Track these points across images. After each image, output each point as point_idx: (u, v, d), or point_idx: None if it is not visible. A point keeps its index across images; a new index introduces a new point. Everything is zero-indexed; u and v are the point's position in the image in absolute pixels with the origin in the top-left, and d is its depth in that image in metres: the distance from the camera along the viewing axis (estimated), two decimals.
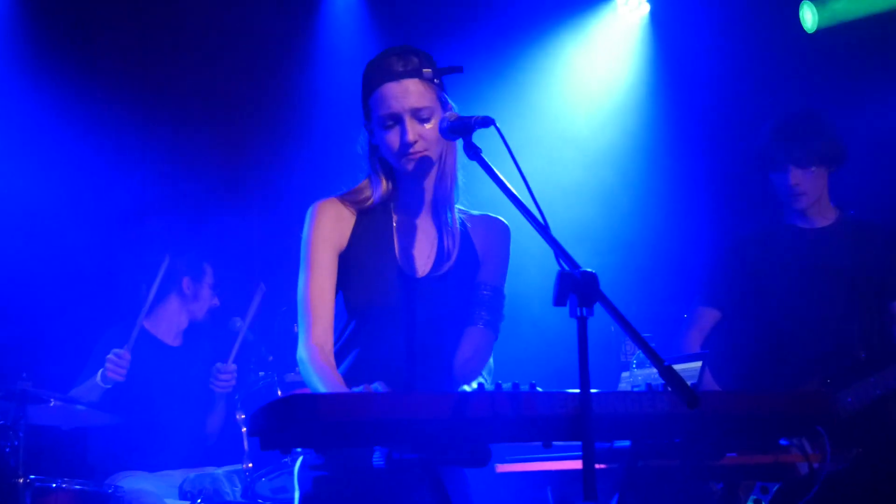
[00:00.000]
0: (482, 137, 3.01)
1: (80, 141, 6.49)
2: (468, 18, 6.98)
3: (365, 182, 3.44)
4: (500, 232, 3.51)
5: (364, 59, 3.42)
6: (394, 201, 3.43)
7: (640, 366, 3.79)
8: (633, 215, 6.81)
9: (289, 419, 2.41)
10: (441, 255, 3.41)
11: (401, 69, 3.26)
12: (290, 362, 5.76)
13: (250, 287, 6.38)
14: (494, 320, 3.44)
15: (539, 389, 2.61)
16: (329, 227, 3.36)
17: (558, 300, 2.41)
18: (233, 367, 5.93)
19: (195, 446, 6.04)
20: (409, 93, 3.25)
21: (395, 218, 3.42)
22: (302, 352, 3.27)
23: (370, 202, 3.40)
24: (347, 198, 3.42)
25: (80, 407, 5.14)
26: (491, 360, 3.42)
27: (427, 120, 3.26)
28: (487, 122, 2.95)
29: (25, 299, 6.34)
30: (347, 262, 3.36)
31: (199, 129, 6.92)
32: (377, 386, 2.85)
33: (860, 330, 4.92)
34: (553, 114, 7.00)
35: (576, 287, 2.40)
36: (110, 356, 5.60)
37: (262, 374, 6.05)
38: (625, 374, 3.94)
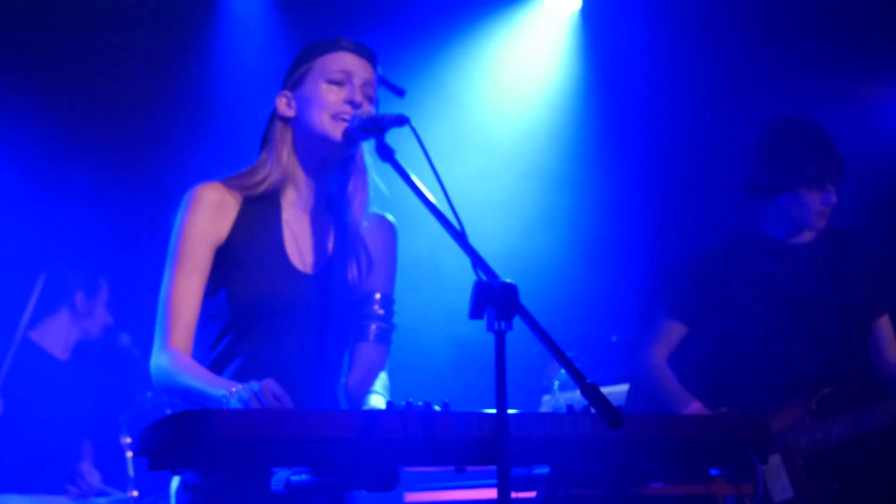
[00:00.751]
0: (396, 138, 3.06)
1: None
2: (383, 11, 7.02)
3: (260, 161, 3.39)
4: (388, 232, 3.53)
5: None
6: (285, 188, 3.37)
7: (562, 388, 3.86)
8: (560, 226, 6.87)
9: (181, 436, 2.42)
10: (333, 252, 3.39)
11: (362, 51, 3.35)
12: None
13: (143, 300, 6.37)
14: (386, 332, 3.44)
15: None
16: (207, 217, 3.27)
17: (475, 312, 2.45)
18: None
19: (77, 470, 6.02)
20: (366, 67, 3.32)
21: (284, 206, 3.37)
22: (159, 357, 3.19)
23: (263, 186, 3.33)
24: (234, 182, 3.35)
25: None
26: (385, 375, 3.43)
27: (370, 99, 3.31)
28: (402, 120, 2.99)
29: None
30: (227, 258, 3.28)
31: (96, 135, 6.87)
32: (266, 383, 2.82)
33: (843, 354, 4.90)
34: (474, 115, 7.04)
35: (494, 299, 2.44)
36: None
37: (149, 394, 6.05)
38: (546, 398, 4.01)
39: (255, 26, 7.02)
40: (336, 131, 3.26)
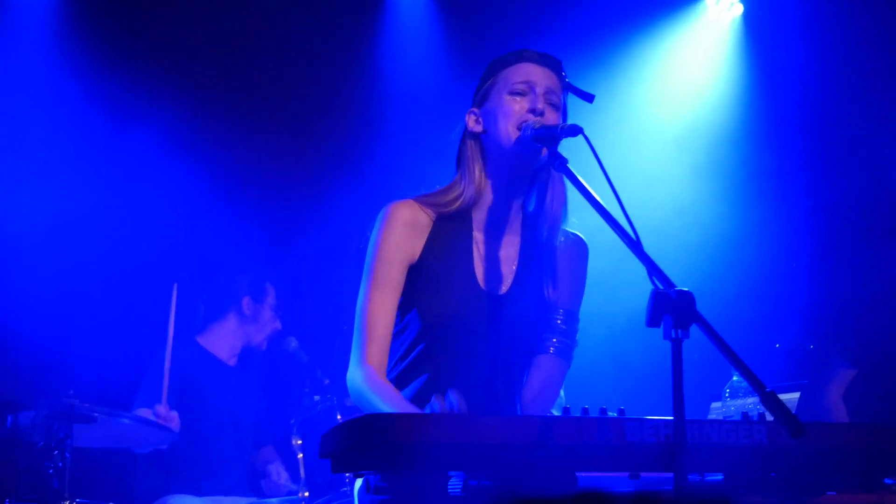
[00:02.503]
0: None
1: (138, 146, 6.62)
2: (544, 20, 7.03)
3: (455, 180, 3.44)
4: (580, 251, 3.54)
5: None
6: (476, 206, 3.42)
7: (733, 395, 3.81)
8: (725, 232, 6.79)
9: (363, 440, 2.48)
10: (522, 273, 3.43)
11: (546, 60, 3.37)
12: None
13: (309, 304, 6.49)
14: (567, 348, 3.46)
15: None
16: (401, 236, 3.35)
17: (652, 321, 2.46)
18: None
19: (248, 472, 6.13)
20: (548, 77, 3.34)
21: (475, 225, 3.42)
22: (355, 372, 3.29)
23: (456, 205, 3.38)
24: (428, 200, 3.41)
25: (126, 420, 5.21)
26: (562, 392, 3.45)
27: (556, 106, 3.33)
28: (575, 130, 3.01)
29: (72, 311, 6.43)
30: (419, 275, 3.36)
31: (263, 138, 7.02)
32: (451, 398, 2.88)
33: None
34: (639, 121, 7.02)
35: (671, 307, 2.44)
36: (152, 418, 5.55)
37: (317, 398, 6.12)
38: (715, 405, 3.97)
39: (422, 38, 7.09)
40: (521, 148, 3.28)
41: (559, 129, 3.07)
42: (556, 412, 3.36)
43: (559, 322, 3.44)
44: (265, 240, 6.99)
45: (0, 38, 6.52)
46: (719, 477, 2.81)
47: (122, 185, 6.63)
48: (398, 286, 3.34)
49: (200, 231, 6.79)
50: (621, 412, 2.66)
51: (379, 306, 3.31)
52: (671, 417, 2.58)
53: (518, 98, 3.32)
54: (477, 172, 3.39)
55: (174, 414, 5.52)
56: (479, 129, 3.41)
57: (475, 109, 3.43)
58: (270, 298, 6.30)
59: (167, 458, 5.87)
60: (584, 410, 2.61)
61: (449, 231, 3.39)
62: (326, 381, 6.18)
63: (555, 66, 3.38)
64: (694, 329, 2.47)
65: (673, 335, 2.44)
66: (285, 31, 6.97)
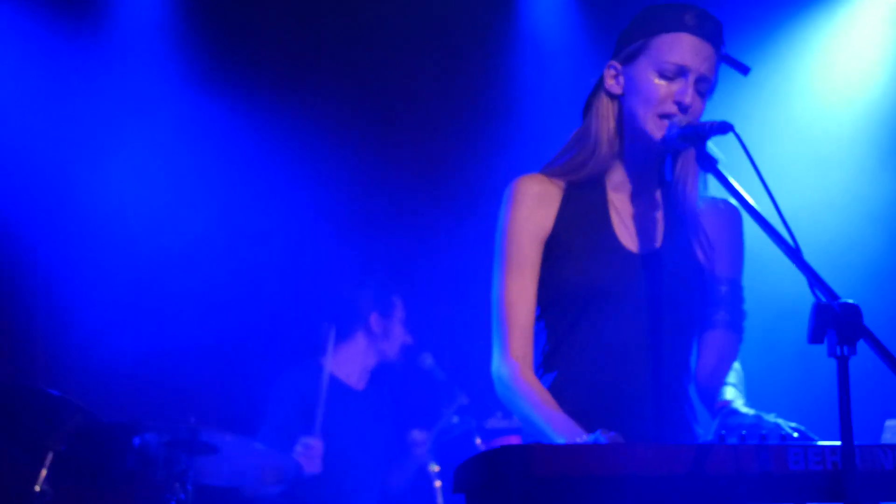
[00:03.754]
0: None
1: (263, 152, 6.76)
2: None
3: (581, 138, 3.37)
4: (733, 217, 3.46)
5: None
6: (610, 169, 3.36)
7: None
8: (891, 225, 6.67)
9: (499, 474, 2.46)
10: (671, 230, 3.35)
11: (705, 29, 3.25)
12: (490, 405, 5.83)
13: (441, 317, 6.49)
14: (737, 319, 3.38)
15: (795, 434, 2.65)
16: (531, 210, 3.31)
17: (814, 336, 2.41)
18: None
19: (380, 502, 6.17)
20: (706, 57, 3.24)
21: (609, 189, 3.36)
22: (500, 368, 3.26)
23: (586, 170, 3.32)
24: (555, 169, 3.37)
25: (259, 448, 5.24)
26: (738, 365, 3.35)
27: (705, 94, 3.26)
28: (725, 128, 2.95)
29: (192, 331, 6.49)
30: (556, 249, 3.31)
31: (391, 139, 7.08)
32: (602, 435, 2.82)
33: None
34: (797, 113, 6.91)
35: (835, 321, 2.40)
36: (299, 448, 5.66)
37: (455, 419, 6.13)
38: (890, 423, 3.88)
39: (556, 23, 7.07)
40: (657, 132, 3.23)
41: (708, 127, 3.00)
42: (738, 385, 3.29)
43: (724, 292, 3.37)
44: (389, 248, 7.02)
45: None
46: None
47: (237, 194, 6.73)
48: (536, 266, 3.30)
49: (319, 242, 6.85)
50: (786, 436, 2.64)
51: (517, 292, 3.27)
52: (838, 442, 2.55)
53: (665, 82, 3.23)
54: (610, 133, 3.33)
55: (319, 445, 5.58)
56: (617, 90, 3.33)
57: (616, 65, 3.34)
58: (399, 312, 6.30)
59: (295, 491, 5.88)
60: (742, 437, 2.57)
61: (582, 196, 3.34)
62: (465, 401, 6.18)
63: (715, 34, 3.27)
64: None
65: (838, 352, 2.40)
66: (410, 23, 7.01)
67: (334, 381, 6.16)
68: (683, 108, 3.21)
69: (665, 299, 3.29)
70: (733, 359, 3.38)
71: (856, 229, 6.47)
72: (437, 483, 5.81)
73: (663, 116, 3.22)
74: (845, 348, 2.40)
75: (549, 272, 3.31)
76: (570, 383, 3.26)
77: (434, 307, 6.91)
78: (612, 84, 3.34)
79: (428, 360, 6.36)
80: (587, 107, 3.42)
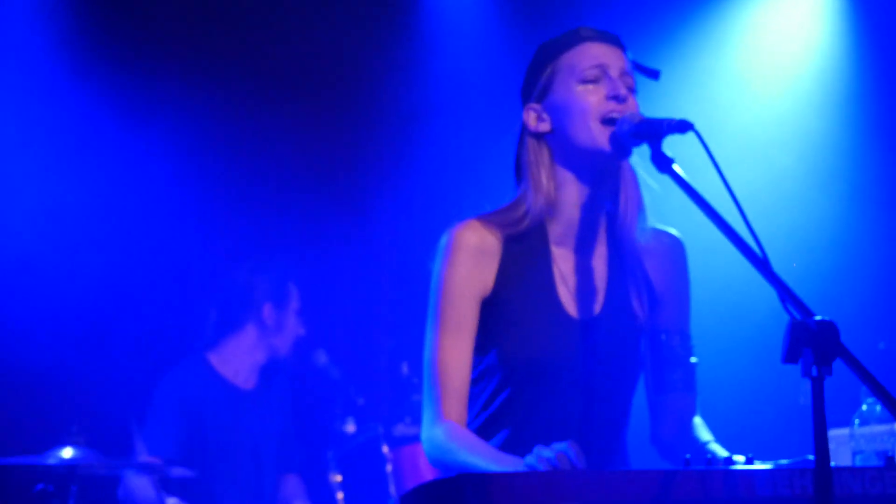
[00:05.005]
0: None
1: (136, 140, 6.66)
2: None
3: (517, 199, 3.40)
4: (677, 253, 3.53)
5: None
6: (551, 218, 3.37)
7: (864, 423, 3.84)
8: (828, 223, 6.78)
9: None
10: (614, 291, 3.40)
11: (606, 36, 3.35)
12: (397, 410, 5.84)
13: (339, 310, 6.47)
14: (689, 378, 3.45)
15: (761, 464, 2.69)
16: (470, 267, 3.30)
17: (789, 356, 2.45)
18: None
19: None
20: (618, 56, 3.32)
21: (553, 243, 3.38)
22: (433, 430, 3.26)
23: (526, 222, 3.33)
24: (493, 219, 3.36)
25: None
26: (699, 419, 3.44)
27: (631, 89, 3.31)
28: (684, 126, 2.96)
29: (62, 333, 6.37)
30: (495, 311, 3.32)
31: (287, 124, 7.03)
32: (568, 451, 2.83)
33: None
34: (725, 103, 6.97)
35: (811, 340, 2.44)
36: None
37: (350, 420, 6.09)
38: (834, 433, 4.00)
39: (468, 19, 7.08)
40: (604, 141, 3.24)
41: (665, 125, 3.01)
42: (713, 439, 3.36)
43: (674, 345, 3.43)
44: (285, 232, 6.98)
45: None
46: None
47: (124, 181, 6.64)
48: (472, 327, 3.31)
49: (210, 225, 6.79)
50: (750, 460, 2.69)
51: (452, 353, 3.28)
52: (802, 464, 2.62)
53: (591, 87, 3.27)
54: (544, 180, 3.35)
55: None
56: (545, 127, 3.36)
57: (534, 105, 3.38)
58: (294, 302, 6.18)
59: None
60: (709, 461, 2.63)
61: (523, 252, 3.35)
62: (361, 401, 6.15)
63: (618, 42, 3.36)
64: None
65: (814, 373, 2.44)
66: (317, 9, 7.00)
67: (219, 380, 6.05)
68: (621, 99, 3.25)
69: (602, 365, 3.34)
70: (692, 414, 3.47)
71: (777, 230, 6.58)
72: (340, 495, 5.80)
73: (606, 122, 3.26)
74: (822, 368, 2.44)
75: (487, 337, 3.34)
76: (512, 450, 3.23)
77: (329, 299, 6.89)
78: (537, 124, 3.38)
79: (322, 357, 6.30)
80: (517, 164, 3.45)
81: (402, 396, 6.17)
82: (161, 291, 6.59)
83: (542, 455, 2.82)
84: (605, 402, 3.35)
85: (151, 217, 6.71)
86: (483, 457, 3.10)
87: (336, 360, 6.34)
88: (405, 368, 6.17)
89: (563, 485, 2.49)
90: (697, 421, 3.45)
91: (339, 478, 5.83)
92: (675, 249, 3.52)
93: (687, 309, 3.52)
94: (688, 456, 2.69)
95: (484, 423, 3.35)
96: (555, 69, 3.34)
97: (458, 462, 3.15)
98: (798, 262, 5.99)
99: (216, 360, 6.11)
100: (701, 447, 3.30)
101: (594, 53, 3.31)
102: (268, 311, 6.12)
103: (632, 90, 3.32)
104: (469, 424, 3.35)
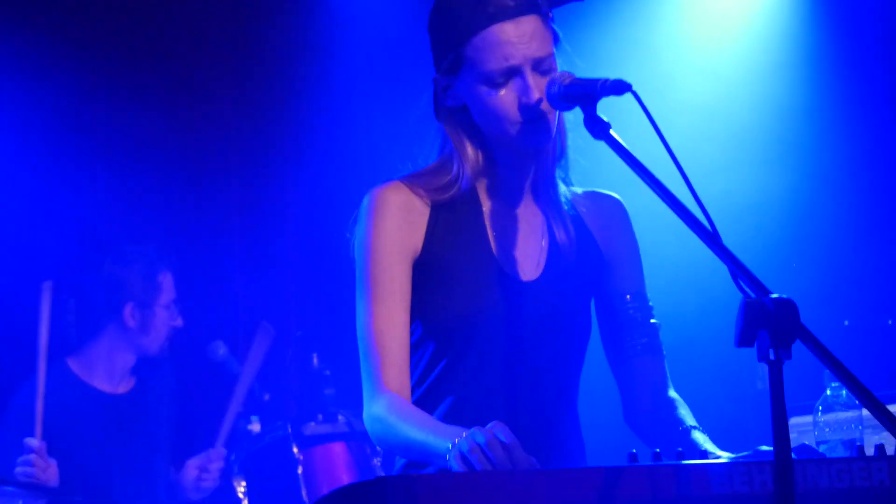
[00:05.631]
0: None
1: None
2: None
3: (442, 161, 3.43)
4: (619, 215, 3.59)
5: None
6: (482, 186, 3.43)
7: (828, 409, 3.87)
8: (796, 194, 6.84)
9: None
10: (555, 251, 3.43)
11: (514, 3, 3.27)
12: (310, 406, 5.81)
13: (238, 296, 6.41)
14: (653, 340, 3.50)
15: (721, 455, 2.70)
16: (398, 226, 3.34)
17: (743, 338, 2.43)
18: (221, 452, 5.86)
19: None
20: (529, 36, 3.27)
21: (485, 206, 3.43)
22: (374, 406, 3.26)
23: (453, 190, 3.37)
24: (419, 182, 3.40)
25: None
26: (674, 393, 3.46)
27: (548, 72, 3.28)
28: (621, 87, 2.94)
29: None
30: (425, 274, 3.36)
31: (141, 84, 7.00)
32: (497, 429, 2.83)
33: None
34: (665, 64, 7.01)
35: (768, 321, 2.43)
36: (21, 463, 5.35)
37: (254, 419, 6.05)
38: (796, 420, 4.03)
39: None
40: (528, 139, 3.29)
41: (600, 86, 2.99)
42: (697, 425, 3.35)
43: (632, 311, 3.48)
44: (171, 218, 6.93)
45: None
46: None
47: None
48: (405, 290, 3.34)
49: (80, 219, 6.72)
50: (705, 453, 2.74)
51: (387, 320, 3.30)
52: (761, 456, 2.65)
53: (502, 91, 3.28)
54: (470, 151, 3.40)
55: (52, 464, 5.38)
56: (456, 102, 3.39)
57: (440, 79, 3.40)
58: (166, 294, 6.00)
59: None
60: (656, 455, 2.61)
61: (454, 215, 3.40)
62: (266, 397, 6.11)
63: (531, 6, 3.30)
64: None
65: (772, 356, 2.42)
66: None
67: (82, 387, 5.90)
68: (534, 107, 3.26)
69: (546, 330, 3.38)
70: (665, 383, 3.51)
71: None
72: (245, 503, 5.76)
73: (525, 122, 3.27)
74: (780, 352, 2.43)
75: (420, 303, 3.36)
76: (451, 423, 3.24)
77: (224, 282, 6.84)
78: (449, 102, 3.40)
79: (220, 349, 6.25)
80: (438, 120, 3.46)
81: (314, 391, 6.13)
82: (24, 293, 6.44)
83: (474, 441, 2.82)
84: (552, 369, 3.38)
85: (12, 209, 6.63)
86: (425, 430, 3.09)
87: (237, 352, 6.28)
88: (315, 360, 6.13)
89: (496, 486, 2.47)
90: (674, 396, 3.47)
91: (243, 483, 5.78)
92: (616, 211, 3.59)
93: (640, 270, 3.57)
94: (680, 449, 2.68)
95: (423, 396, 3.38)
96: (459, 56, 3.32)
97: (400, 438, 3.17)
98: (751, 236, 6.04)
99: (77, 366, 5.96)
100: (689, 438, 3.28)
101: (503, 49, 3.25)
102: (129, 311, 5.95)
103: (546, 72, 3.28)
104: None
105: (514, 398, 3.34)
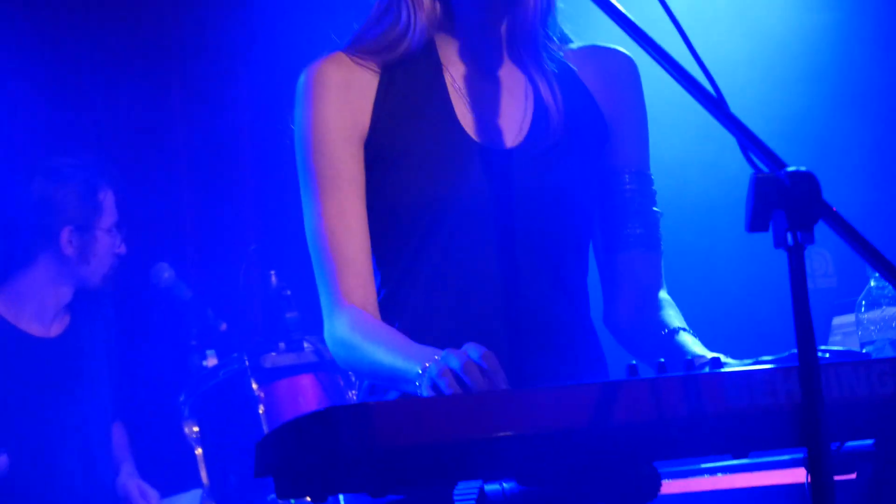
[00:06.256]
0: None
1: None
2: None
3: (386, 9, 3.30)
4: (629, 71, 3.46)
5: None
6: (444, 43, 3.32)
7: (871, 306, 3.81)
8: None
9: (323, 447, 2.34)
10: (542, 115, 3.29)
11: None
12: (270, 334, 5.73)
13: (184, 212, 6.33)
14: (651, 230, 3.38)
15: (731, 362, 2.61)
16: (340, 103, 3.24)
17: (755, 222, 2.31)
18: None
19: (108, 485, 5.94)
20: None
21: (446, 64, 3.31)
22: (335, 324, 3.18)
23: (404, 43, 3.25)
24: (362, 45, 3.29)
25: None
26: (667, 296, 3.35)
27: None
28: None
29: None
30: (376, 153, 3.24)
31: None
32: (472, 350, 2.72)
33: None
34: None
35: (784, 199, 2.30)
36: None
37: (210, 353, 6.00)
38: (839, 320, 3.97)
39: None
40: None
41: None
42: (687, 328, 3.27)
43: (629, 191, 3.36)
44: (104, 115, 6.86)
45: None
46: (869, 444, 2.73)
47: None
48: (358, 179, 3.24)
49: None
50: (716, 361, 2.60)
51: (339, 218, 3.21)
52: (785, 363, 2.52)
53: None
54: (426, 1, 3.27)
55: None
56: None
57: None
58: (108, 216, 5.95)
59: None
60: (660, 366, 2.49)
61: (407, 79, 3.29)
62: (223, 327, 6.05)
63: None
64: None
65: (790, 241, 2.29)
66: None
67: (7, 330, 5.82)
68: None
69: (538, 207, 3.24)
70: (657, 282, 3.39)
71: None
72: (198, 450, 5.69)
73: None
74: (799, 235, 2.29)
75: (374, 186, 3.24)
76: (421, 333, 3.15)
77: (169, 199, 6.77)
78: None
79: (165, 272, 6.18)
80: None
81: (273, 316, 6.02)
82: None
83: (447, 365, 2.72)
84: (550, 258, 3.26)
85: None
86: (393, 353, 3.01)
87: (184, 275, 6.19)
88: (274, 278, 6.01)
89: (464, 413, 2.32)
90: (664, 297, 3.37)
91: (196, 428, 5.71)
92: (623, 67, 3.46)
93: (645, 145, 3.45)
94: (662, 360, 2.55)
95: (386, 297, 3.28)
96: None
97: (366, 363, 3.09)
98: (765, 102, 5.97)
99: (2, 304, 5.87)
100: (673, 341, 3.20)
101: None
102: (66, 236, 5.87)
103: None
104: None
105: (501, 298, 3.21)
